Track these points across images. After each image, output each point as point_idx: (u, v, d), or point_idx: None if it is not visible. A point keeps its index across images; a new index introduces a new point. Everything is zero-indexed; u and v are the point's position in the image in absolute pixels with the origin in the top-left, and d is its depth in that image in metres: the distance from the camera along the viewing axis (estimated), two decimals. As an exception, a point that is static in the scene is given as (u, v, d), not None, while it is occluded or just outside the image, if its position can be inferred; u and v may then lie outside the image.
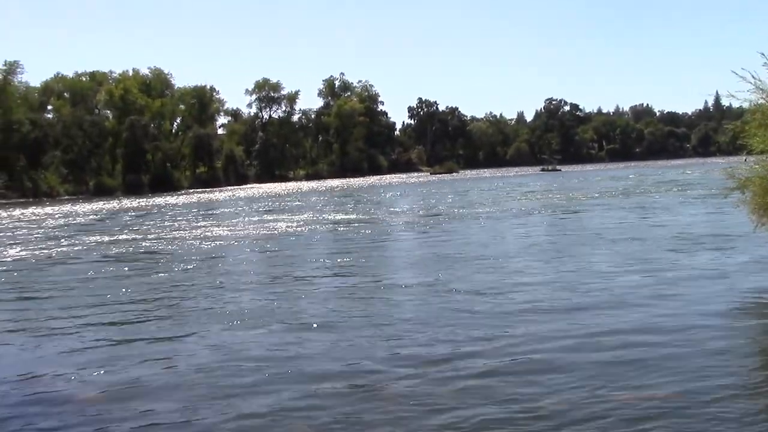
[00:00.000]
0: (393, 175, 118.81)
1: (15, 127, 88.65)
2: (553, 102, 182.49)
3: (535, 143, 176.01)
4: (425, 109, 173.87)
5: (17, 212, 52.76)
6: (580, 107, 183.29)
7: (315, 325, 9.54)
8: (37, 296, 13.29)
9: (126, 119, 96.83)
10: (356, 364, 7.72)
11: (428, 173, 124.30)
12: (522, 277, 12.91)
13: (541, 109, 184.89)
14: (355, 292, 11.93)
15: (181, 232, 25.89)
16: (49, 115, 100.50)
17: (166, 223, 31.17)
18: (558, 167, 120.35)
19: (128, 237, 24.55)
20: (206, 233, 24.82)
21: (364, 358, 7.92)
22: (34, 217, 43.20)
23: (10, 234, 29.40)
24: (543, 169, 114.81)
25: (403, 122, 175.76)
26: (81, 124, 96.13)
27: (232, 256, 18.17)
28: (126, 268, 16.43)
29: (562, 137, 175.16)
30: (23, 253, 21.37)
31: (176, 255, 18.73)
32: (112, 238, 24.49)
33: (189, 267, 16.03)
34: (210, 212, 39.68)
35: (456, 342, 8.47)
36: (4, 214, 51.00)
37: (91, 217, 41.25)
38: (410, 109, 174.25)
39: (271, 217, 31.75)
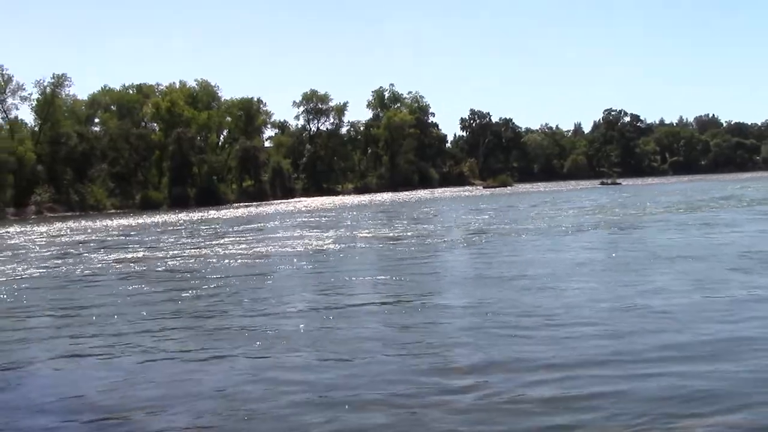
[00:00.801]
0: (444, 189, 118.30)
1: (62, 140, 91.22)
2: (613, 113, 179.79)
3: (593, 156, 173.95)
4: (478, 121, 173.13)
5: (64, 225, 54.44)
6: (641, 118, 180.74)
7: (357, 347, 9.62)
8: (82, 312, 13.69)
9: (172, 132, 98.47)
10: (402, 390, 7.70)
11: (481, 186, 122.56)
12: (575, 297, 12.63)
13: (599, 120, 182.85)
14: (397, 312, 11.88)
15: (227, 247, 26.20)
16: (96, 128, 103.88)
17: (211, 239, 31.65)
18: (618, 180, 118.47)
19: (174, 252, 25.03)
20: (251, 249, 25.09)
21: (410, 383, 7.89)
22: (79, 231, 44.48)
23: (59, 247, 30.48)
24: (602, 183, 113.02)
25: (455, 134, 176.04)
26: (127, 137, 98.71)
27: (277, 272, 18.35)
28: (170, 285, 16.74)
29: (622, 149, 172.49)
30: (66, 267, 22.04)
31: (220, 271, 19.04)
32: (158, 253, 25.00)
33: (233, 284, 16.30)
34: (255, 227, 40.12)
35: (506, 368, 8.31)
36: (53, 227, 52.55)
37: (136, 231, 42.30)
38: (462, 120, 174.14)
39: (317, 233, 31.99)
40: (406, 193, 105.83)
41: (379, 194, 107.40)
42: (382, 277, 16.65)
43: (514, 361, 8.52)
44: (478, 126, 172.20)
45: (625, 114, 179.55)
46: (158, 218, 62.96)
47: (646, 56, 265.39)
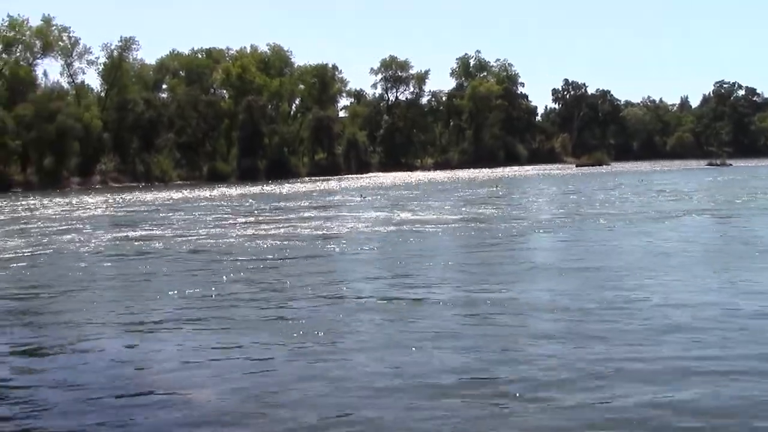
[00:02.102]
0: (532, 167, 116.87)
1: (129, 107, 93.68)
2: (725, 85, 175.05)
3: (701, 133, 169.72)
4: (572, 92, 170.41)
5: (131, 196, 56.75)
6: (757, 91, 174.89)
7: (429, 337, 9.53)
8: (139, 285, 14.46)
9: (243, 100, 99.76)
10: (482, 381, 7.85)
11: (573, 165, 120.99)
12: (669, 294, 12.17)
13: (709, 94, 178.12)
14: (471, 306, 11.58)
15: (296, 225, 26.43)
16: (164, 95, 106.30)
17: (280, 214, 32.04)
18: (728, 161, 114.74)
19: (243, 230, 25.23)
20: (322, 226, 25.46)
21: (485, 374, 8.01)
22: (146, 202, 46.13)
23: (130, 218, 32.22)
24: (710, 164, 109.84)
25: (546, 107, 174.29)
26: (196, 105, 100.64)
27: (347, 254, 18.43)
28: (235, 262, 16.98)
29: (735, 126, 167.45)
30: (130, 240, 22.90)
31: (288, 249, 19.23)
32: (226, 230, 25.36)
33: (301, 264, 16.50)
34: (327, 202, 40.48)
35: (588, 377, 7.97)
36: (119, 197, 55.50)
37: (204, 203, 43.55)
38: (555, 91, 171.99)
39: (393, 212, 31.89)
40: (491, 170, 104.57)
41: (460, 171, 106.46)
42: (457, 263, 16.49)
43: (602, 372, 8.13)
44: (573, 98, 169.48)
45: (739, 87, 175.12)
46: (226, 191, 63.72)
47: (764, 22, 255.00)
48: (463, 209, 32.74)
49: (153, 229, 26.10)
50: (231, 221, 29.08)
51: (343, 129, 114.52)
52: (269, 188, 66.37)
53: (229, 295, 12.88)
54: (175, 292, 13.28)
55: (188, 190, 66.77)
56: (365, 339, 9.71)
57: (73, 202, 51.36)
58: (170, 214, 34.81)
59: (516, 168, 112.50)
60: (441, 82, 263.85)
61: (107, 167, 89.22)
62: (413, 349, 9.08)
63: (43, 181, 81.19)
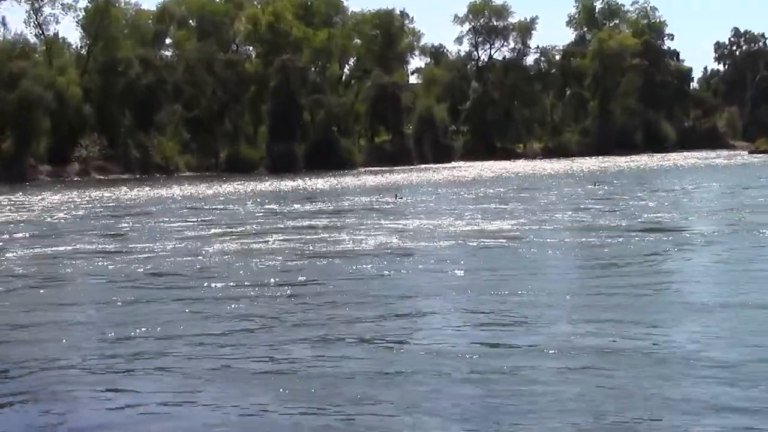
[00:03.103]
0: (685, 154, 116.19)
1: (119, 69, 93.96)
2: None
3: None
4: (744, 47, 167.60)
5: (120, 193, 57.11)
6: None
7: (536, 406, 9.39)
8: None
9: (276, 60, 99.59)
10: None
11: (745, 151, 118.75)
12: None
13: None
14: (600, 358, 11.41)
15: (345, 236, 27.07)
16: (167, 53, 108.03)
17: (325, 221, 32.84)
18: None
19: (270, 245, 25.70)
20: (384, 242, 25.74)
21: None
22: (138, 203, 47.03)
23: (112, 227, 32.74)
24: None
25: (706, 69, 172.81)
26: (211, 66, 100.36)
27: (419, 282, 18.73)
28: (281, 286, 17.72)
29: None
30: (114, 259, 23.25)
31: (333, 273, 19.72)
32: (246, 244, 25.76)
33: (349, 295, 16.82)
34: (392, 205, 41.08)
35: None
36: (102, 195, 55.86)
37: (218, 206, 43.41)
38: (719, 47, 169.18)
39: (486, 216, 32.37)
40: (625, 158, 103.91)
41: (581, 159, 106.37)
42: (573, 294, 16.64)
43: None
44: (745, 55, 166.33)
45: None
46: (251, 186, 63.57)
47: None
48: (581, 215, 33.18)
49: (142, 245, 26.06)
50: (255, 232, 29.47)
51: (415, 101, 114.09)
52: (310, 182, 66.92)
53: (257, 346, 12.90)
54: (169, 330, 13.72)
55: (200, 185, 67.38)
56: (450, 410, 9.52)
57: (30, 201, 51.88)
58: (171, 220, 35.24)
59: (661, 156, 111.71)
60: (553, 34, 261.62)
61: (89, 152, 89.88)
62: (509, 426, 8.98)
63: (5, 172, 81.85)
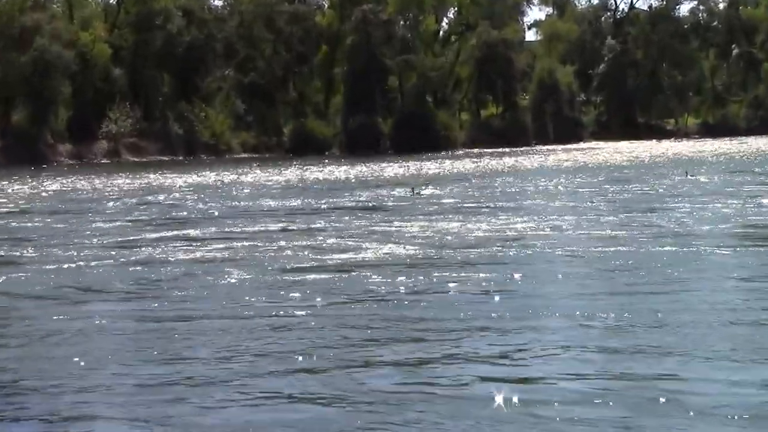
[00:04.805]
0: None
1: (157, 23, 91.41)
2: None
3: None
4: None
5: (153, 181, 55.95)
6: None
7: None
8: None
9: (354, 11, 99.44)
10: None
11: None
12: None
13: None
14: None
15: (435, 234, 25.18)
16: (217, 2, 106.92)
17: (423, 214, 30.76)
18: None
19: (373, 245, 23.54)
20: (491, 243, 23.40)
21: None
22: (175, 195, 44.73)
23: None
24: None
25: None
26: (272, 20, 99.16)
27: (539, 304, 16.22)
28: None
29: None
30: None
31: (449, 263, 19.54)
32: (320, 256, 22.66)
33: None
34: (506, 199, 37.78)
35: None
36: (132, 182, 54.41)
37: (271, 201, 40.28)
38: None
39: (626, 217, 29.13)
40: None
41: (751, 138, 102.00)
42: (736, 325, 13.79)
43: None
44: None
45: None
46: (322, 171, 63.04)
47: None
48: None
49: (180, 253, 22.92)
50: (333, 239, 25.70)
51: (533, 63, 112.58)
52: (398, 167, 65.34)
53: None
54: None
55: (257, 169, 66.53)
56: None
57: (48, 190, 50.08)
58: (219, 222, 31.15)
59: None
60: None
61: (120, 127, 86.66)
62: None
63: (10, 151, 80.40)
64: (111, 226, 29.94)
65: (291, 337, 14.18)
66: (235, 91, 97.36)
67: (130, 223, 31.15)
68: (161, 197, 43.56)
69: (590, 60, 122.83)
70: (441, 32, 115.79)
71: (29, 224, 31.46)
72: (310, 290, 17.48)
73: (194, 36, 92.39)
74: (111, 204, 40.20)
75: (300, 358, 12.83)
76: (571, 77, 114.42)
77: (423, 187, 43.93)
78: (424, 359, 12.73)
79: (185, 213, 34.71)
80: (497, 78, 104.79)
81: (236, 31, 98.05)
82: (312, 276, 19.34)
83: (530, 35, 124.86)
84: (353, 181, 53.58)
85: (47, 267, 20.50)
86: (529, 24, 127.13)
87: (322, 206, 36.80)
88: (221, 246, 23.93)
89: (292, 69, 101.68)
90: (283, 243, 24.26)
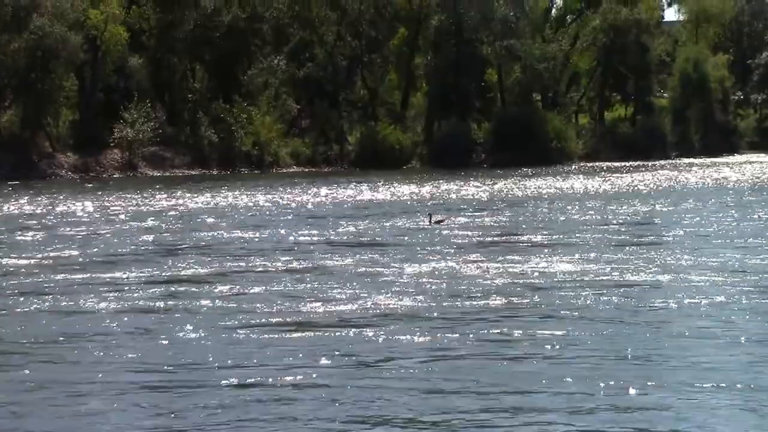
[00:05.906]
0: None
1: (188, 1, 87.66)
2: None
3: None
4: None
5: (181, 202, 52.83)
6: None
7: None
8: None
9: None
10: None
11: None
12: None
13: None
14: None
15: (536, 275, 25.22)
16: None
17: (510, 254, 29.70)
18: None
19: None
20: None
21: None
22: (206, 222, 42.43)
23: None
24: None
25: None
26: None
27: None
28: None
29: None
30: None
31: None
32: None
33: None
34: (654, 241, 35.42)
35: None
36: (147, 205, 51.14)
37: (327, 229, 39.09)
38: None
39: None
40: None
41: None
42: None
43: None
44: None
45: None
46: (400, 189, 60.55)
47: None
48: None
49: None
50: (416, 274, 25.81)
51: (674, 50, 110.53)
52: (503, 184, 64.25)
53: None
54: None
55: (311, 185, 64.31)
56: None
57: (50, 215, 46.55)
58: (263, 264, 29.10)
59: None
60: None
61: (137, 132, 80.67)
62: None
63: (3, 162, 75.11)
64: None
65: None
66: (286, 87, 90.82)
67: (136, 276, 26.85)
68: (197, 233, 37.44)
69: (749, 48, 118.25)
70: (554, 10, 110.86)
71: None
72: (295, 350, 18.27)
73: (235, 16, 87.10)
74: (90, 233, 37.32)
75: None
76: (725, 70, 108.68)
77: (437, 217, 41.73)
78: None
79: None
80: (627, 71, 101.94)
81: (289, 9, 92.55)
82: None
83: (670, 14, 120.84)
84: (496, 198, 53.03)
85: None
86: (668, 0, 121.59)
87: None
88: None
89: (361, 59, 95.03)
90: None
